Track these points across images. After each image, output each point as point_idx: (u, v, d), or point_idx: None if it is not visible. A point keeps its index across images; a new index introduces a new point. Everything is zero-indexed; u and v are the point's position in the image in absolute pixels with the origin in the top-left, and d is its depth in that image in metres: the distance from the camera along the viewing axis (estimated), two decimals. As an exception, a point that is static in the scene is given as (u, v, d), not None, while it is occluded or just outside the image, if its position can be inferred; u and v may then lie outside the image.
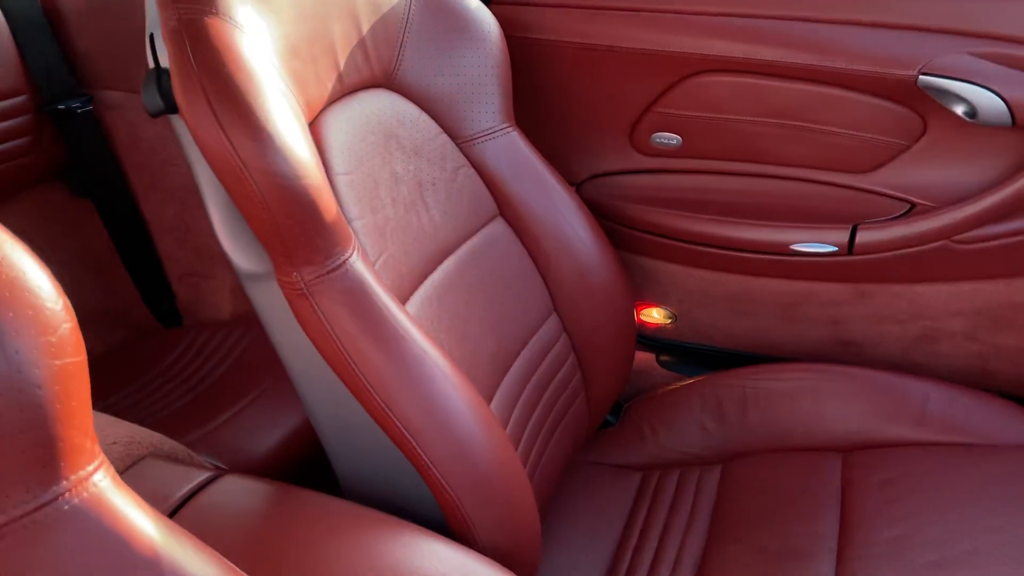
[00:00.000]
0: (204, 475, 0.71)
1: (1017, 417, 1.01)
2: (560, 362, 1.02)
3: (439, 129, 0.96)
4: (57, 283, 0.44)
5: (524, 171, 1.01)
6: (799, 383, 1.08)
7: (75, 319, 0.44)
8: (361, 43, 0.88)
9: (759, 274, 1.16)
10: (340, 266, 0.71)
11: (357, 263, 0.72)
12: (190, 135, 0.72)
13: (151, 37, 0.72)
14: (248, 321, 1.34)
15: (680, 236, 1.16)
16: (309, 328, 0.71)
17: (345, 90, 0.86)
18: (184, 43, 0.65)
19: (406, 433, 0.71)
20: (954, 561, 0.82)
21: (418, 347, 0.73)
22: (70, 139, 1.27)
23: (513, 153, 1.00)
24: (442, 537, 0.67)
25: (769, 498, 0.99)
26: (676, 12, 1.06)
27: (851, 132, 1.05)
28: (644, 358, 1.32)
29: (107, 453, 0.55)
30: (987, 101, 0.94)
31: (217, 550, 0.51)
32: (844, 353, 1.19)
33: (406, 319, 0.74)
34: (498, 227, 0.99)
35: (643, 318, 1.30)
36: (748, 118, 1.09)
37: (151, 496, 0.48)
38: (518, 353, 0.95)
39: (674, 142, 1.15)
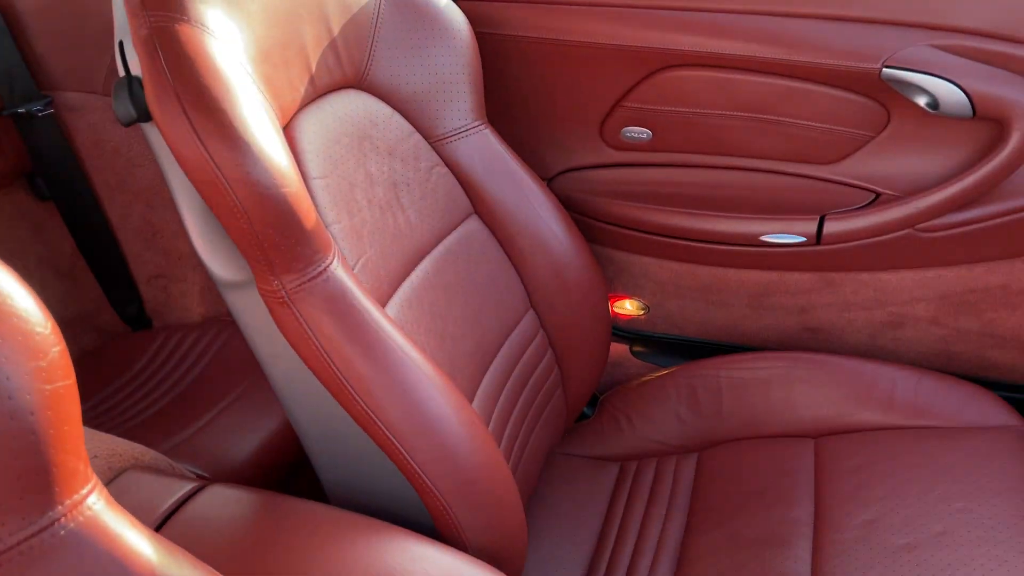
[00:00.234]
0: (188, 486, 0.71)
1: (979, 399, 1.04)
2: (538, 358, 1.03)
3: (412, 128, 0.95)
4: (44, 306, 0.43)
5: (497, 168, 1.01)
6: (772, 372, 1.10)
7: (63, 341, 0.43)
8: (332, 44, 0.87)
9: (730, 265, 1.18)
10: (321, 273, 0.71)
11: (338, 269, 0.72)
12: (162, 142, 0.71)
13: (120, 45, 0.71)
14: (219, 323, 1.32)
15: (652, 229, 1.18)
16: (292, 336, 0.71)
17: (317, 92, 0.85)
18: (157, 52, 0.64)
19: (393, 439, 0.71)
20: (925, 543, 0.85)
21: (402, 352, 0.73)
22: (31, 142, 1.24)
23: (486, 150, 1.01)
24: (432, 540, 0.68)
25: (745, 485, 1.01)
26: (645, 7, 1.06)
27: (817, 124, 1.07)
28: (617, 349, 1.34)
29: (91, 469, 0.54)
30: (948, 93, 0.96)
31: (209, 563, 0.51)
32: (812, 340, 1.22)
33: (388, 324, 0.74)
34: (473, 225, 1.00)
35: (616, 310, 1.31)
36: (717, 112, 1.10)
37: (137, 510, 0.48)
38: (497, 351, 0.96)
39: (644, 136, 1.16)
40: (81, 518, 0.42)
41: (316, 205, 0.77)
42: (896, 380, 1.06)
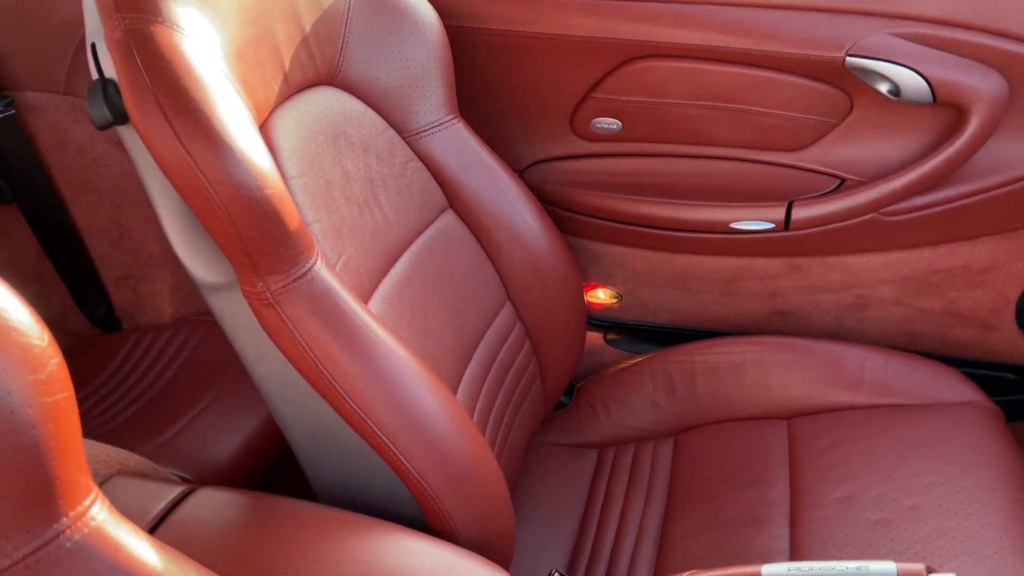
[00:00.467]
0: (176, 490, 0.71)
1: (944, 376, 1.08)
2: (517, 349, 1.04)
3: (385, 124, 0.95)
4: (40, 318, 0.43)
5: (471, 162, 1.02)
6: (744, 356, 1.13)
7: (60, 352, 0.43)
8: (304, 42, 0.87)
9: (701, 252, 1.20)
10: (306, 273, 0.71)
11: (322, 269, 0.72)
12: (139, 145, 0.70)
13: (93, 47, 0.70)
14: (191, 323, 1.31)
15: (623, 219, 1.19)
16: (277, 337, 0.71)
17: (291, 90, 0.85)
18: (133, 54, 0.64)
19: (382, 436, 0.72)
20: (898, 517, 0.88)
21: (388, 349, 0.74)
22: (-8, 144, 1.21)
23: (459, 144, 1.01)
24: (424, 534, 0.69)
25: (722, 467, 1.03)
26: (612, -1, 1.07)
27: (783, 112, 1.09)
28: (591, 338, 1.35)
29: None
30: (909, 80, 0.99)
31: (203, 566, 0.51)
32: (781, 323, 1.25)
33: (373, 321, 0.74)
34: (449, 219, 1.00)
35: (589, 299, 1.33)
36: (685, 101, 1.12)
37: (127, 516, 0.48)
38: (477, 344, 0.96)
39: (614, 127, 1.17)
40: (86, 529, 0.42)
41: (296, 205, 0.77)
42: (865, 360, 1.09)
